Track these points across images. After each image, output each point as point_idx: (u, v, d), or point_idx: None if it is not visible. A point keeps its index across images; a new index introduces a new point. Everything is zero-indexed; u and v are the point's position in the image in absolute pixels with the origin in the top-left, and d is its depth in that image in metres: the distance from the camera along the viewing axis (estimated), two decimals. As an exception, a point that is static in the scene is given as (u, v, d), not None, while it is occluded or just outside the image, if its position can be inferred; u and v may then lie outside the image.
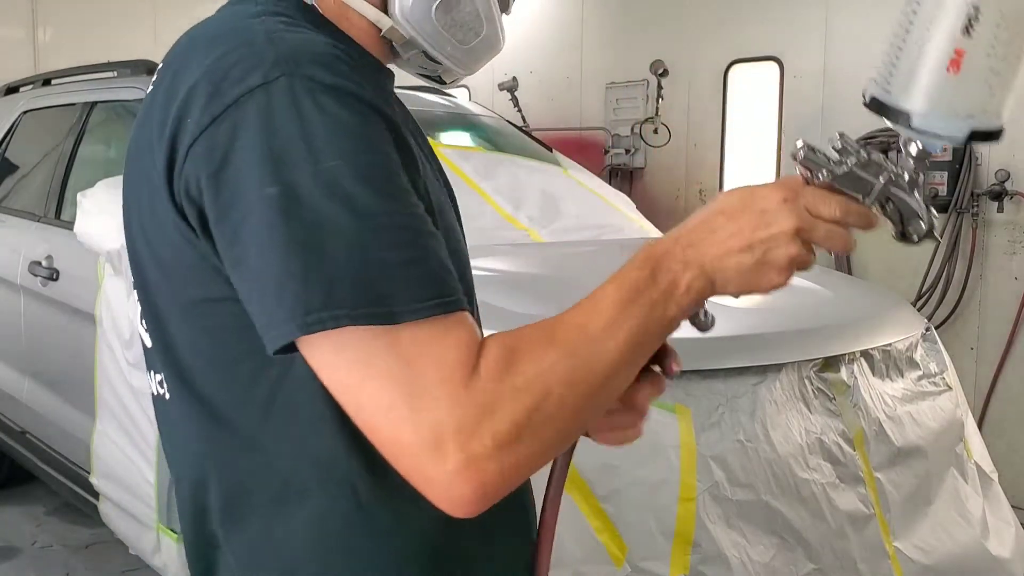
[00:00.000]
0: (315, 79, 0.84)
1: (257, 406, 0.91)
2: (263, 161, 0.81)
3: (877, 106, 0.96)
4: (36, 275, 3.52)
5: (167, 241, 0.90)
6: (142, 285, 0.98)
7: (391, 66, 1.05)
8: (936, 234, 0.97)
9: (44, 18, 6.52)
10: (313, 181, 0.80)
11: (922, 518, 2.46)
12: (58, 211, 3.73)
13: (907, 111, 0.93)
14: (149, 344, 1.00)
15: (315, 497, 0.91)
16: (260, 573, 0.95)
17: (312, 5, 0.98)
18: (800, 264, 0.93)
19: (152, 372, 1.03)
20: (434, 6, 0.98)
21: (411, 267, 0.81)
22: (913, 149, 0.97)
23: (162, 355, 0.97)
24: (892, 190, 0.95)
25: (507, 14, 1.06)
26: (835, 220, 0.91)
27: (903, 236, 0.96)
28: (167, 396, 0.99)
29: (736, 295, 0.93)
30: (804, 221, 0.90)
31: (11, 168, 4.45)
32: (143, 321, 1.00)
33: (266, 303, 0.82)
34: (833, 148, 0.94)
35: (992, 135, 0.93)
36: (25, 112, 4.43)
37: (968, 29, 0.89)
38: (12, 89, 4.79)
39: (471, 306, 0.94)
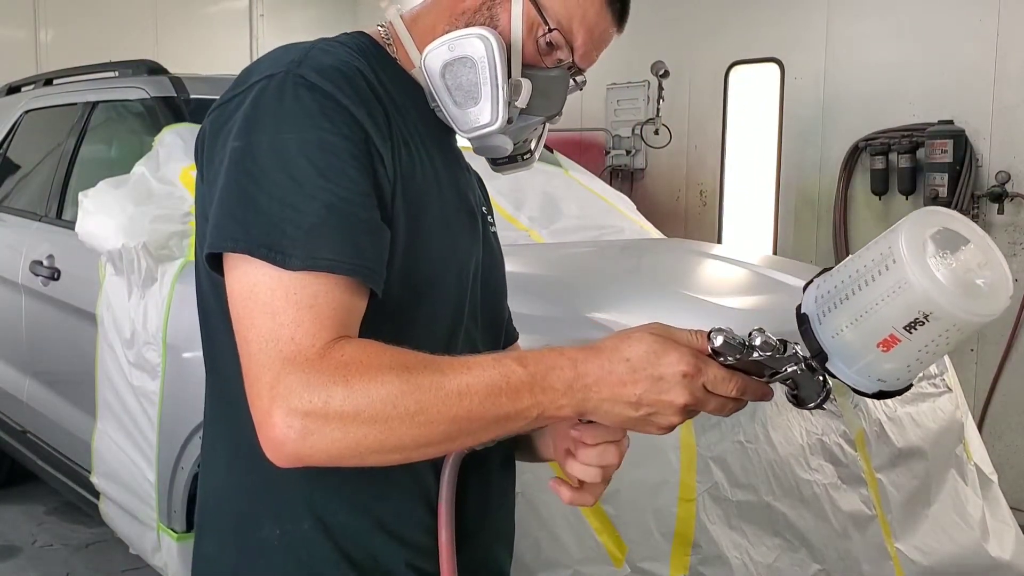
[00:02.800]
0: (303, 77, 1.03)
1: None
2: (242, 124, 1.02)
3: (803, 324, 0.96)
4: (37, 274, 3.52)
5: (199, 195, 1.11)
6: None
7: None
8: (825, 405, 0.99)
9: (46, 18, 6.53)
10: (267, 145, 1.00)
11: (922, 519, 2.46)
12: (59, 211, 3.74)
13: (826, 352, 0.94)
14: None
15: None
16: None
17: (384, 46, 1.18)
18: (681, 423, 0.98)
19: None
20: (442, 64, 1.12)
21: (318, 228, 0.96)
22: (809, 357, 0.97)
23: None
24: (798, 375, 0.97)
25: (518, 105, 1.15)
26: (732, 398, 0.96)
27: (796, 402, 0.99)
28: None
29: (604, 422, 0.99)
30: (696, 398, 0.94)
31: (13, 167, 4.45)
32: None
33: (211, 225, 1.01)
34: (751, 342, 0.95)
35: (899, 392, 0.95)
36: (27, 112, 4.43)
37: (911, 328, 0.87)
38: (14, 89, 4.79)
39: (438, 296, 1.11)
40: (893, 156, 4.64)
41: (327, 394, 0.90)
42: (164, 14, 6.79)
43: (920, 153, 4.55)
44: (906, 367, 0.92)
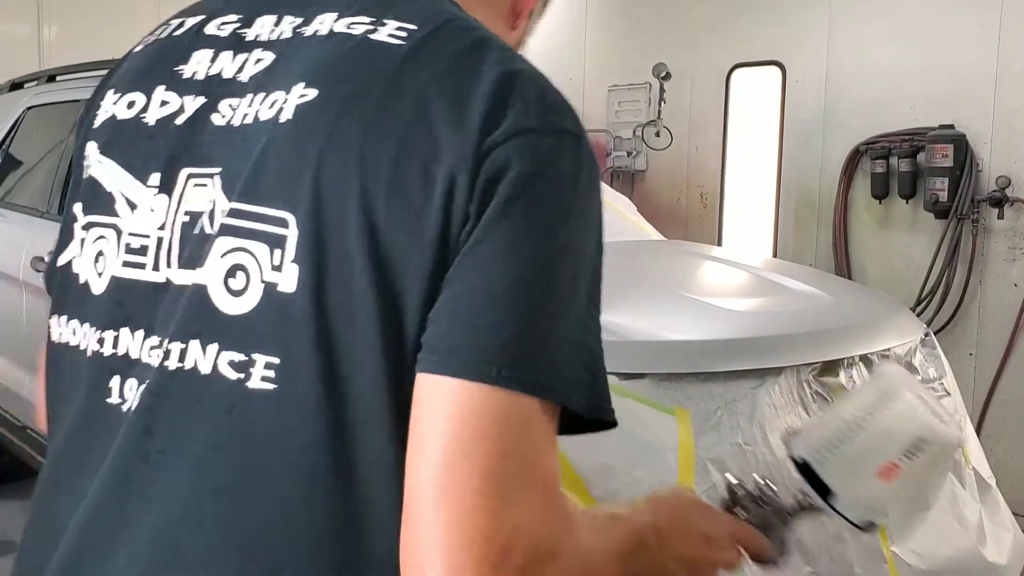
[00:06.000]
0: (593, 155, 0.83)
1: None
2: (571, 206, 0.79)
3: (806, 471, 1.05)
4: (39, 271, 3.53)
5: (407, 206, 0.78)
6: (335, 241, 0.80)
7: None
8: (777, 562, 1.09)
9: (49, 15, 6.54)
10: (595, 251, 0.80)
11: (919, 523, 2.47)
12: (61, 207, 3.74)
13: (832, 491, 1.03)
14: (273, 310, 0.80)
15: None
16: None
17: None
18: None
19: (244, 349, 0.80)
20: None
21: (600, 366, 0.80)
22: (803, 500, 1.07)
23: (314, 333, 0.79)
24: (780, 530, 1.07)
25: None
26: (761, 554, 1.04)
27: (754, 557, 1.08)
28: (269, 389, 0.79)
29: None
30: (734, 556, 1.00)
31: (15, 163, 4.46)
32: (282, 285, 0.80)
33: (482, 327, 0.74)
34: (761, 490, 1.07)
35: (874, 527, 1.06)
36: (29, 108, 4.44)
37: (911, 454, 0.99)
38: (17, 85, 4.80)
39: None
40: (894, 160, 4.65)
41: (568, 564, 0.76)
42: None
43: (921, 157, 4.55)
44: (898, 495, 1.02)
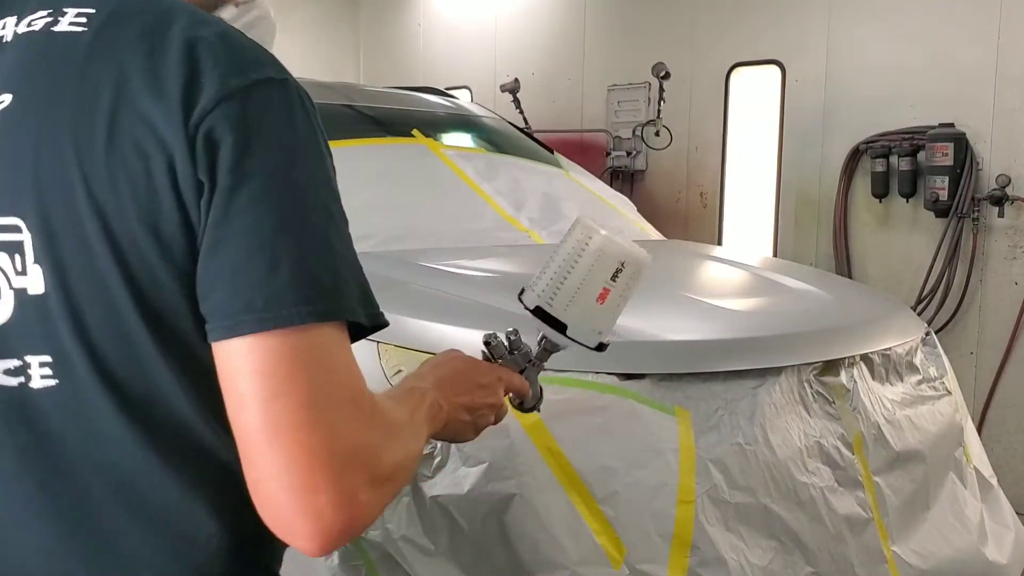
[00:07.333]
0: (303, 90, 0.87)
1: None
2: (288, 145, 0.83)
3: (541, 314, 1.27)
4: None
5: (139, 189, 0.81)
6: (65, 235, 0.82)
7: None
8: (538, 407, 1.38)
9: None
10: (324, 179, 0.85)
11: (920, 523, 2.46)
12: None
13: (564, 323, 1.27)
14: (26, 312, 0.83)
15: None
16: None
17: None
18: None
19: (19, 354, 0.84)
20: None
21: (362, 273, 0.87)
22: (546, 344, 1.32)
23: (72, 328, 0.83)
24: (533, 373, 1.34)
25: None
26: (519, 393, 1.30)
27: (520, 406, 1.36)
28: (52, 385, 0.84)
29: (440, 439, 1.25)
30: (501, 399, 1.23)
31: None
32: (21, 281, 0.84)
33: (255, 282, 0.79)
34: (510, 339, 1.32)
35: (606, 346, 1.32)
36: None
37: (615, 277, 1.25)
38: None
39: None
40: (894, 159, 4.64)
41: (393, 451, 0.85)
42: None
43: (921, 156, 4.55)
44: (612, 315, 1.28)
